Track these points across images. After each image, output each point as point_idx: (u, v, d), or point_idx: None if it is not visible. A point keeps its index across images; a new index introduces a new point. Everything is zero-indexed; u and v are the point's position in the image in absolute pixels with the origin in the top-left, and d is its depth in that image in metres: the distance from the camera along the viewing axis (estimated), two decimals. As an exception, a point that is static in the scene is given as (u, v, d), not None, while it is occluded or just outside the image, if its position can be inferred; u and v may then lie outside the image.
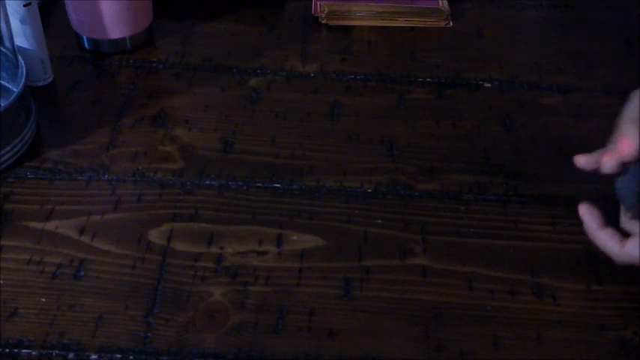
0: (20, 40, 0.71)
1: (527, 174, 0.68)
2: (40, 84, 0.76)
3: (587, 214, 0.58)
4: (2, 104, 0.65)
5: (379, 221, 0.63)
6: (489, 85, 0.78)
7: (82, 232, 0.61)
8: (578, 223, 0.60)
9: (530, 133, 0.72)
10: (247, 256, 0.60)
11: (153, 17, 0.83)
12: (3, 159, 0.65)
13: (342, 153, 0.69)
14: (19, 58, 0.68)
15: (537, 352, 0.54)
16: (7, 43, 0.69)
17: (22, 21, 0.70)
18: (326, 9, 0.86)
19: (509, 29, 0.88)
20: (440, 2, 0.88)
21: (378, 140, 0.71)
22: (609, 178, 0.58)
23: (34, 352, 0.52)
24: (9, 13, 0.69)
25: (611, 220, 0.58)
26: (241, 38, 0.84)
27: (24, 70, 0.67)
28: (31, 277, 0.58)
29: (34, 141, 0.69)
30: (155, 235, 0.61)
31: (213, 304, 0.56)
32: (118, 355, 0.52)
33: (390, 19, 0.87)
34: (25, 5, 0.70)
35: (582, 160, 0.60)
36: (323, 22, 0.86)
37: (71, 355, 0.52)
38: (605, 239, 0.56)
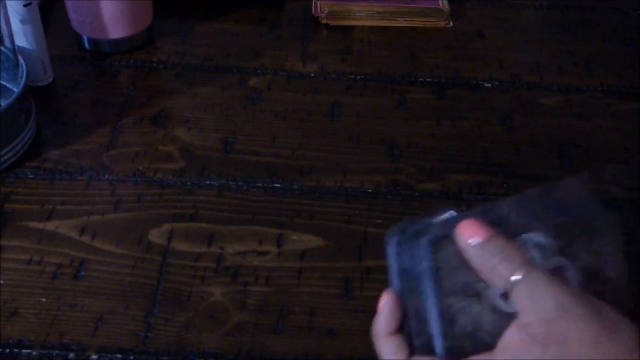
0: (20, 40, 0.71)
1: (527, 174, 0.68)
2: (40, 84, 0.76)
3: (386, 311, 0.44)
4: (2, 104, 0.65)
5: (379, 221, 0.63)
6: (489, 85, 0.78)
7: (82, 232, 0.61)
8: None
9: (530, 133, 0.72)
10: (247, 256, 0.60)
11: (153, 17, 0.83)
12: (3, 159, 0.65)
13: (342, 153, 0.69)
14: (20, 58, 0.68)
15: (537, 352, 0.54)
16: (8, 43, 0.69)
17: (22, 21, 0.70)
18: (326, 9, 0.86)
19: (509, 29, 0.88)
20: (440, 2, 0.88)
21: (378, 140, 0.71)
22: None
23: (34, 352, 0.52)
24: (9, 13, 0.69)
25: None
26: (241, 38, 0.84)
27: (24, 70, 0.67)
28: (31, 277, 0.58)
29: (34, 141, 0.69)
30: (155, 235, 0.61)
31: (213, 304, 0.56)
32: (119, 355, 0.52)
33: (390, 19, 0.87)
34: (25, 5, 0.70)
35: None
36: (323, 22, 0.86)
37: (71, 355, 0.52)
38: (389, 350, 0.44)
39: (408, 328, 0.44)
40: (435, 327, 0.43)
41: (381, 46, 0.84)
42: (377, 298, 0.57)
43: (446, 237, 0.43)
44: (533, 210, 0.44)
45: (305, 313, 0.56)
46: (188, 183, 0.66)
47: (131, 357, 0.53)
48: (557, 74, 0.80)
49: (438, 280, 0.42)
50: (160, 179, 0.66)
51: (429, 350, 0.43)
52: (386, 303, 0.45)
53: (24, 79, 0.67)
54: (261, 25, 0.87)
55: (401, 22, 0.87)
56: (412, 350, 0.43)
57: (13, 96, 0.65)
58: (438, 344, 0.42)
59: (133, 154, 0.68)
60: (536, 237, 0.42)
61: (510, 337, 0.41)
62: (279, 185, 0.66)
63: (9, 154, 0.66)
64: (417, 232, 0.44)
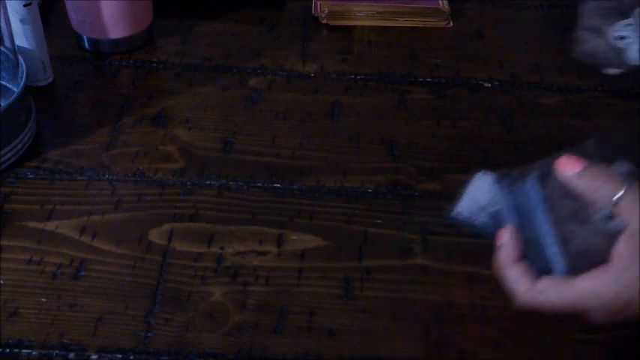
0: (20, 40, 0.71)
1: (527, 174, 0.68)
2: (40, 84, 0.76)
3: (509, 243, 0.50)
4: (2, 104, 0.65)
5: (379, 221, 0.63)
6: (489, 85, 0.78)
7: (82, 232, 0.61)
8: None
9: (530, 133, 0.72)
10: (247, 256, 0.60)
11: (153, 17, 0.83)
12: (3, 159, 0.65)
13: (342, 153, 0.69)
14: (20, 58, 0.68)
15: (537, 352, 0.54)
16: (8, 43, 0.69)
17: (22, 21, 0.70)
18: (326, 9, 0.86)
19: (509, 29, 0.88)
20: (440, 2, 0.88)
21: (378, 140, 0.71)
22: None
23: (34, 352, 0.52)
24: (9, 13, 0.69)
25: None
26: (241, 38, 0.84)
27: (24, 70, 0.67)
28: (31, 277, 0.58)
29: (34, 141, 0.69)
30: (155, 235, 0.61)
31: (213, 304, 0.56)
32: (119, 355, 0.52)
33: (390, 19, 0.87)
34: (25, 5, 0.70)
35: None
36: (323, 22, 0.87)
37: (71, 355, 0.52)
38: (516, 276, 0.50)
39: (528, 257, 0.50)
40: (552, 250, 0.49)
41: (381, 46, 0.84)
42: (377, 298, 0.57)
43: (548, 173, 0.50)
44: (614, 145, 0.52)
45: (305, 313, 0.56)
46: (188, 183, 0.66)
47: (131, 357, 0.53)
48: (557, 74, 0.80)
49: (549, 210, 0.50)
50: (160, 179, 0.66)
51: (549, 272, 0.49)
52: (506, 236, 0.51)
53: (24, 79, 0.67)
54: (261, 25, 0.87)
55: (401, 22, 0.87)
56: (534, 276, 0.49)
57: (13, 96, 0.65)
58: (558, 265, 0.48)
59: (133, 154, 0.68)
60: (622, 166, 0.49)
61: (622, 248, 0.46)
62: (279, 185, 0.66)
63: (9, 154, 0.66)
64: (520, 174, 0.51)
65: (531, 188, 0.51)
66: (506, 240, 0.51)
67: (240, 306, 0.56)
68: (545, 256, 0.49)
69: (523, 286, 0.49)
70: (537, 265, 0.50)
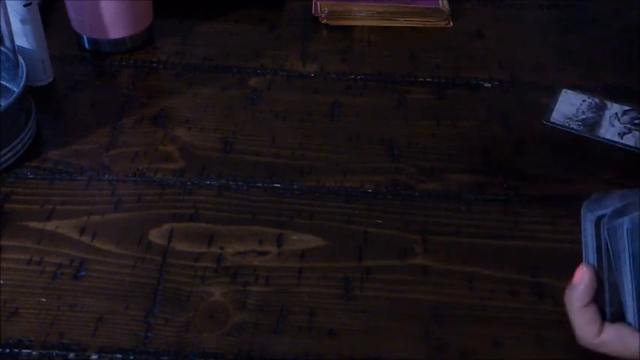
0: (20, 40, 0.71)
1: (527, 174, 0.68)
2: (41, 84, 0.76)
3: (584, 283, 0.49)
4: (2, 104, 0.65)
5: (379, 221, 0.63)
6: (489, 85, 0.78)
7: (82, 232, 0.61)
8: (578, 223, 0.60)
9: (530, 133, 0.72)
10: (247, 256, 0.60)
11: (153, 17, 0.83)
12: (3, 159, 0.65)
13: (342, 153, 0.69)
14: (20, 58, 0.68)
15: (537, 352, 0.54)
16: (8, 43, 0.69)
17: (22, 21, 0.70)
18: (326, 9, 0.86)
19: (509, 29, 0.88)
20: (440, 2, 0.88)
21: (378, 140, 0.71)
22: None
23: (34, 352, 0.52)
24: (9, 13, 0.69)
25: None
26: (241, 38, 0.84)
27: (24, 70, 0.67)
28: (31, 277, 0.58)
29: (34, 141, 0.69)
30: (155, 235, 0.61)
31: (213, 304, 0.56)
32: (119, 355, 0.53)
33: (390, 19, 0.87)
34: (25, 5, 0.70)
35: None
36: (323, 22, 0.87)
37: (71, 355, 0.52)
38: (584, 321, 0.49)
39: (601, 298, 0.49)
40: (629, 302, 0.47)
41: (381, 46, 0.84)
42: (377, 298, 0.57)
43: None
44: None
45: (305, 313, 0.56)
46: (188, 183, 0.66)
47: (131, 357, 0.53)
48: (557, 74, 0.80)
49: (638, 263, 0.47)
50: (160, 179, 0.66)
51: (620, 319, 0.48)
52: (584, 276, 0.49)
53: (24, 79, 0.67)
54: (261, 25, 0.87)
55: (401, 22, 0.87)
56: (602, 317, 0.48)
57: (13, 96, 0.65)
58: (630, 318, 0.47)
59: (133, 154, 0.69)
60: None
61: None
62: (279, 185, 0.66)
63: (9, 154, 0.66)
64: (618, 211, 0.48)
65: (625, 235, 0.47)
66: (582, 280, 0.49)
67: (240, 306, 0.56)
68: (620, 303, 0.48)
69: (589, 332, 0.49)
70: (610, 308, 0.49)
